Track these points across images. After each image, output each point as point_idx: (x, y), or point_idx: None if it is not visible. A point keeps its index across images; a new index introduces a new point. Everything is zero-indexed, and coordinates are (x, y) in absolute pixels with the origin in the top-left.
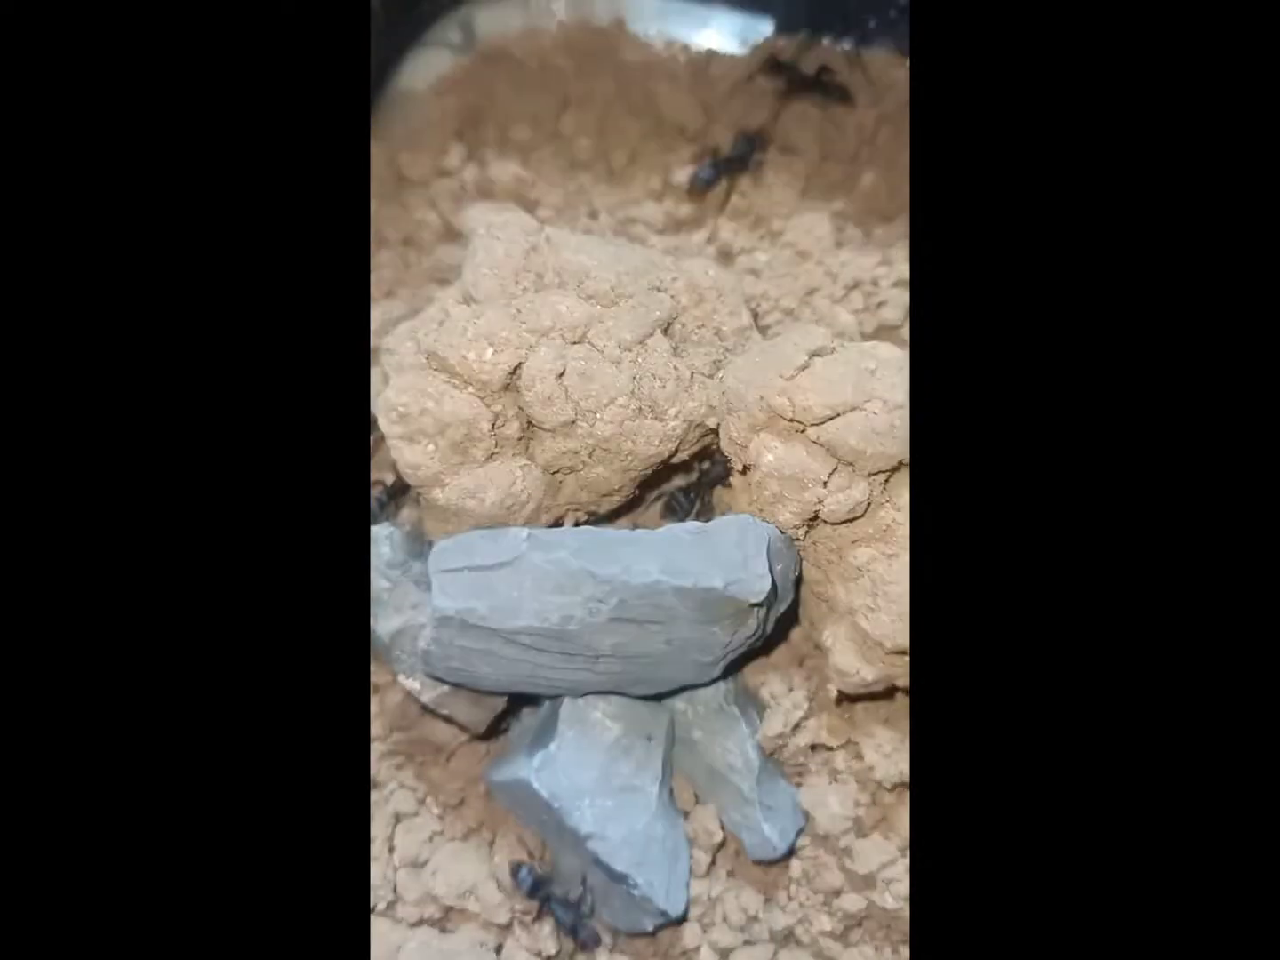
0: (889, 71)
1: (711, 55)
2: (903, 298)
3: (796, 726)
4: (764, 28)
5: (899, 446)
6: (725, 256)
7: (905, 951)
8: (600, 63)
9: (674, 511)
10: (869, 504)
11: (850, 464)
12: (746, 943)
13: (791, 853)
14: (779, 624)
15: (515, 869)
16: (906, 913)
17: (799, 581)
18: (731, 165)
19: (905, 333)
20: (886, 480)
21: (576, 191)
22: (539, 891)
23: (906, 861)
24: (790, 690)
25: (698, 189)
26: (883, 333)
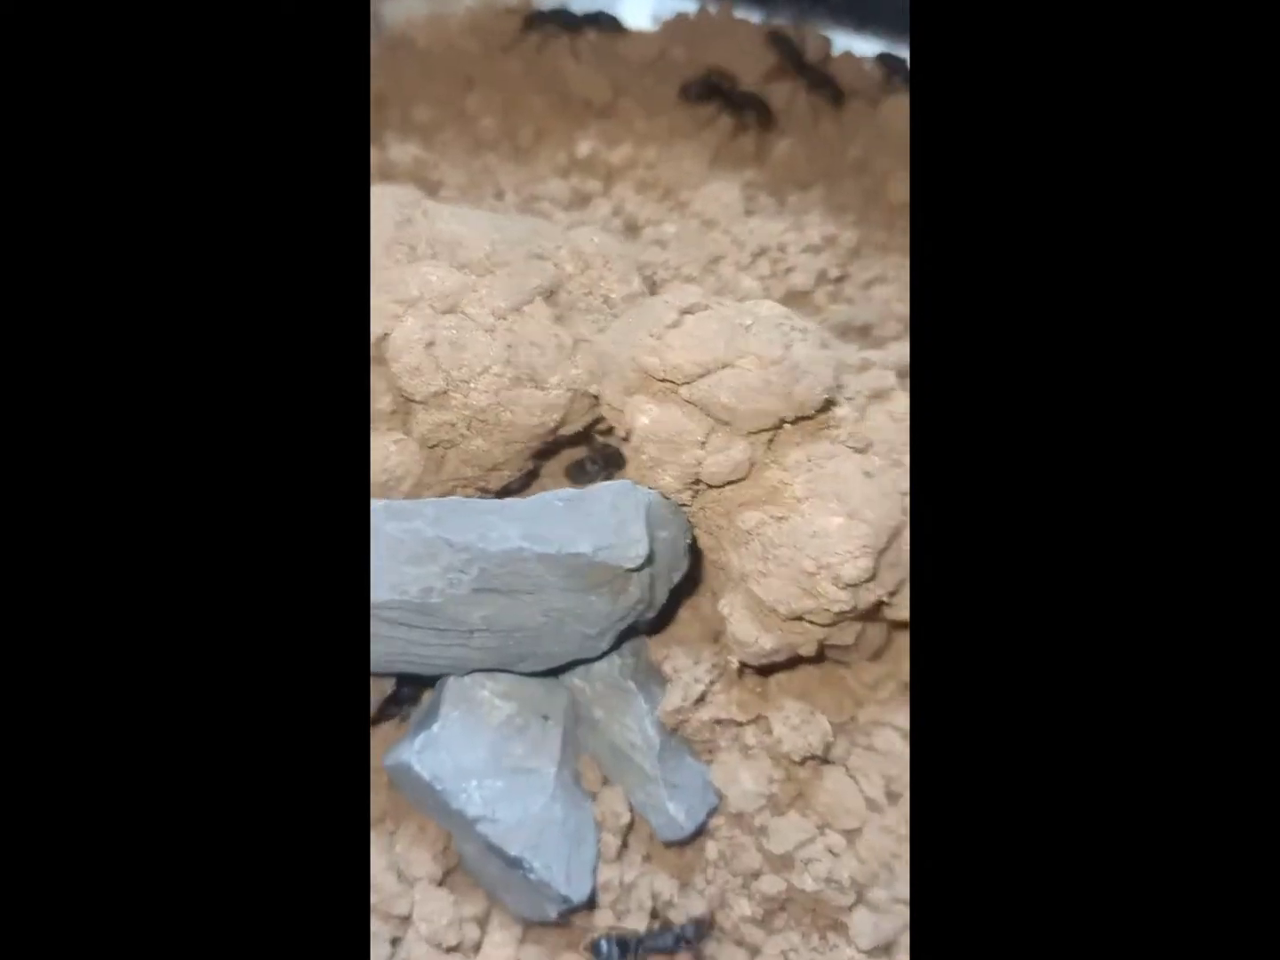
0: (820, 47)
1: (621, 32)
2: (813, 263)
3: (699, 700)
4: (675, 4)
5: (776, 403)
6: (631, 229)
7: (832, 938)
8: (506, 42)
9: (579, 476)
10: (751, 464)
11: (726, 423)
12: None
13: (705, 833)
14: (674, 595)
15: (594, 949)
16: (828, 896)
17: (693, 549)
18: (731, 99)
19: (817, 298)
20: (770, 440)
21: (481, 171)
22: (628, 951)
23: (825, 840)
24: (695, 664)
25: (690, 99)
26: (792, 298)
